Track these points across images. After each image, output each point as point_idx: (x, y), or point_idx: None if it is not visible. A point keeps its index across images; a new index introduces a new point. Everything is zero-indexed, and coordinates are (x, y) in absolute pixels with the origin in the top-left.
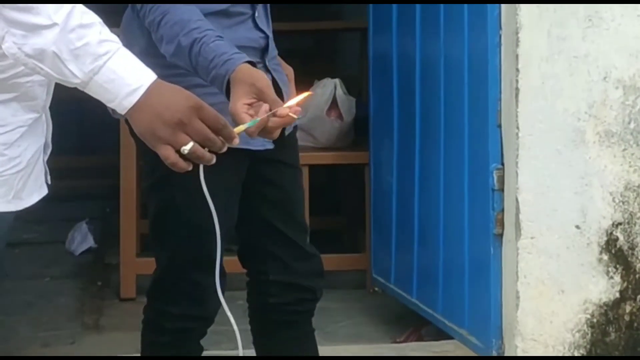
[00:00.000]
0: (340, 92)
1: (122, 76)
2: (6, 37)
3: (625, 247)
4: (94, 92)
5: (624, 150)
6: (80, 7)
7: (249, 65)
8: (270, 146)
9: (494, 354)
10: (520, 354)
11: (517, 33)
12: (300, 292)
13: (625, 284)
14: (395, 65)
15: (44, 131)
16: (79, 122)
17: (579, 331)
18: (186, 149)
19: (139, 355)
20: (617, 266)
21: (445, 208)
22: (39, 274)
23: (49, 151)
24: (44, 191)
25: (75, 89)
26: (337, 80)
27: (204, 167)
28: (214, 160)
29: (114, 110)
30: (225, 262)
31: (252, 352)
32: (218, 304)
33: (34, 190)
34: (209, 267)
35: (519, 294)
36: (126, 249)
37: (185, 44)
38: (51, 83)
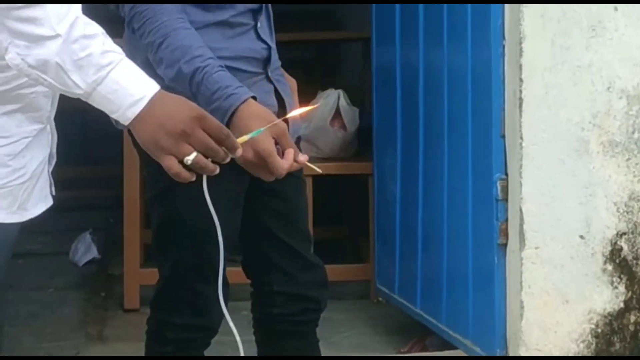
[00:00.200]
0: (343, 102)
1: (125, 87)
2: (9, 47)
3: (629, 257)
4: (97, 102)
5: (628, 160)
6: (83, 18)
7: (256, 102)
8: None
9: None
10: None
11: (520, 43)
12: (304, 303)
13: (629, 294)
14: (399, 76)
15: (48, 142)
16: (82, 133)
17: (583, 341)
18: (189, 159)
19: None
20: (622, 276)
21: (449, 218)
22: (43, 284)
23: (53, 162)
24: (49, 202)
25: (78, 99)
26: (340, 91)
27: (207, 177)
28: (217, 171)
29: (117, 121)
30: (229, 272)
31: None
32: (221, 314)
33: (38, 201)
34: (211, 277)
35: (523, 304)
36: (130, 260)
37: (187, 71)
38: (56, 94)
